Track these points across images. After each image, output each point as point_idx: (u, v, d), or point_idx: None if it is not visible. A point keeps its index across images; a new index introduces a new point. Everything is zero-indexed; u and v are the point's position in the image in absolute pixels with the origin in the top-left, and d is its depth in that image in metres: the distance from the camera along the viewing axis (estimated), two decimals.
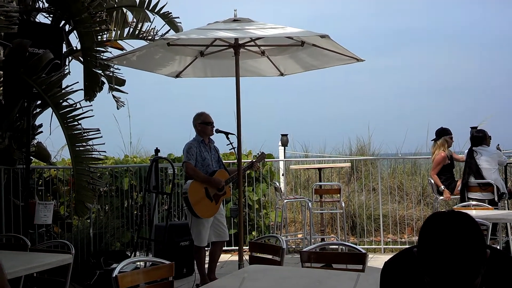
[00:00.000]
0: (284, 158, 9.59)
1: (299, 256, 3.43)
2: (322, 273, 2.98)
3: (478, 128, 7.46)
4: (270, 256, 3.72)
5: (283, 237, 4.75)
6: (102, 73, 5.92)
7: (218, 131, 5.59)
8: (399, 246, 7.43)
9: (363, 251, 3.36)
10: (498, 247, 5.77)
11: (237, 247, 5.73)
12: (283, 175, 8.85)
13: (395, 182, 9.25)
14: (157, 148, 6.55)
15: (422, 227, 1.70)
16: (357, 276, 2.75)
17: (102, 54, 5.42)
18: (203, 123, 5.58)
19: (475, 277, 1.60)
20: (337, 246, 5.63)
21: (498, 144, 7.86)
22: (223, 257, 6.78)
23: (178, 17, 6.88)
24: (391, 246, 7.53)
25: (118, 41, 6.61)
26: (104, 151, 6.26)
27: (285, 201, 7.24)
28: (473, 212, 5.55)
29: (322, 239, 7.56)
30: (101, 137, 4.95)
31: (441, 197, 7.14)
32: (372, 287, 2.08)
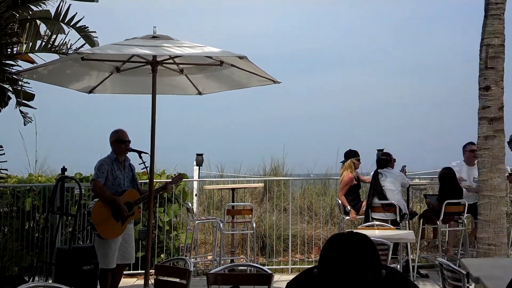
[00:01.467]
0: (199, 178, 9.52)
1: None
2: None
3: (384, 151, 7.80)
4: (177, 280, 3.65)
5: (191, 259, 4.68)
6: (10, 87, 5.61)
7: (130, 149, 5.46)
8: (306, 266, 7.57)
9: (269, 271, 3.39)
10: (398, 266, 6.05)
11: (143, 271, 5.56)
12: (196, 195, 8.77)
13: (305, 202, 9.48)
14: (64, 166, 6.27)
15: (322, 249, 1.74)
16: None
17: (11, 67, 5.12)
18: (117, 140, 5.44)
19: None
20: (245, 268, 5.63)
21: (405, 166, 8.30)
22: (129, 281, 6.58)
23: (95, 31, 6.70)
24: (298, 266, 7.65)
25: (29, 54, 6.30)
26: (6, 169, 5.91)
27: (197, 222, 7.17)
28: (376, 232, 5.78)
29: (232, 260, 7.54)
30: (4, 154, 4.66)
31: (347, 217, 7.39)
32: None
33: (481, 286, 3.71)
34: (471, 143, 7.15)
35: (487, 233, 5.47)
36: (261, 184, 8.93)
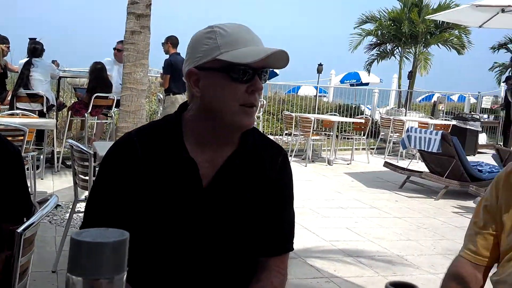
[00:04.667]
0: None
1: None
2: None
3: (36, 40, 7.33)
4: None
5: None
6: None
7: None
8: None
9: None
10: (42, 156, 5.96)
11: None
12: None
13: None
14: None
15: None
16: None
17: None
18: None
19: None
20: None
21: (56, 61, 8.06)
22: None
23: None
24: None
25: None
26: None
27: None
28: (16, 120, 5.51)
29: None
30: None
31: None
32: None
33: None
34: (121, 42, 7.18)
35: (127, 122, 5.84)
36: None
